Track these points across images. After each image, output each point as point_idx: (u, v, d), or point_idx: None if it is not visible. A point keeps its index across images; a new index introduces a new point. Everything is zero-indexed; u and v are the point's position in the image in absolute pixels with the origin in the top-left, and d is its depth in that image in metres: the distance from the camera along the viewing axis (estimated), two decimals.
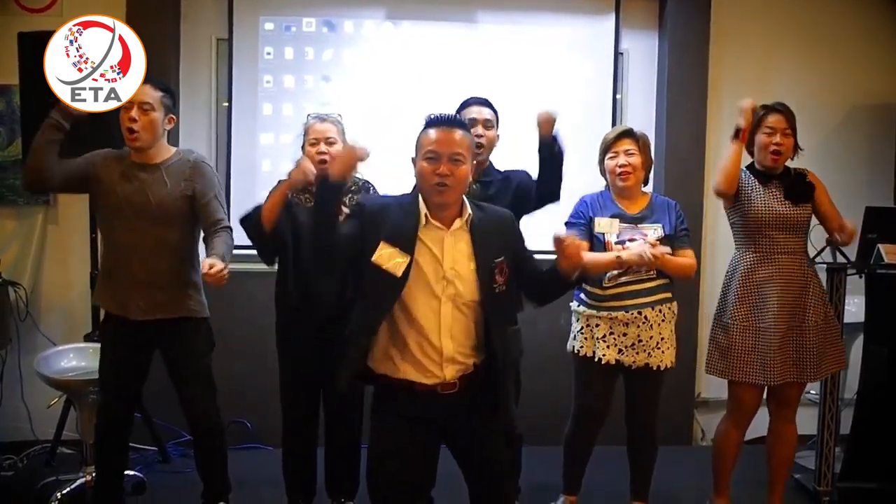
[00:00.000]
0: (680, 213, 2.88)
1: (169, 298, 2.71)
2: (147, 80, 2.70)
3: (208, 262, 2.48)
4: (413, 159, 2.21)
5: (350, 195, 2.86)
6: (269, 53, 3.94)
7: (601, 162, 2.90)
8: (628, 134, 2.84)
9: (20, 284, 3.73)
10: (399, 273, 2.08)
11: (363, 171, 2.96)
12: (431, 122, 2.17)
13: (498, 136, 2.89)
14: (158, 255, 2.70)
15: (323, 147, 2.80)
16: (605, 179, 2.92)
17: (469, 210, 2.18)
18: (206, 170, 2.79)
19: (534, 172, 2.81)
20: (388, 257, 2.09)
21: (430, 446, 2.23)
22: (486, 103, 2.91)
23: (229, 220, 2.83)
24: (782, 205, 2.83)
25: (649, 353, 2.78)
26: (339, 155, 2.16)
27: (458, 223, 2.16)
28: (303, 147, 2.87)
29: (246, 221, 2.77)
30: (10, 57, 3.30)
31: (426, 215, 2.14)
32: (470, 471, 2.24)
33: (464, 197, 2.19)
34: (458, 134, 2.14)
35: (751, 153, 2.92)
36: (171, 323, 2.72)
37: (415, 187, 2.24)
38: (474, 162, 2.22)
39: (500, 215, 2.28)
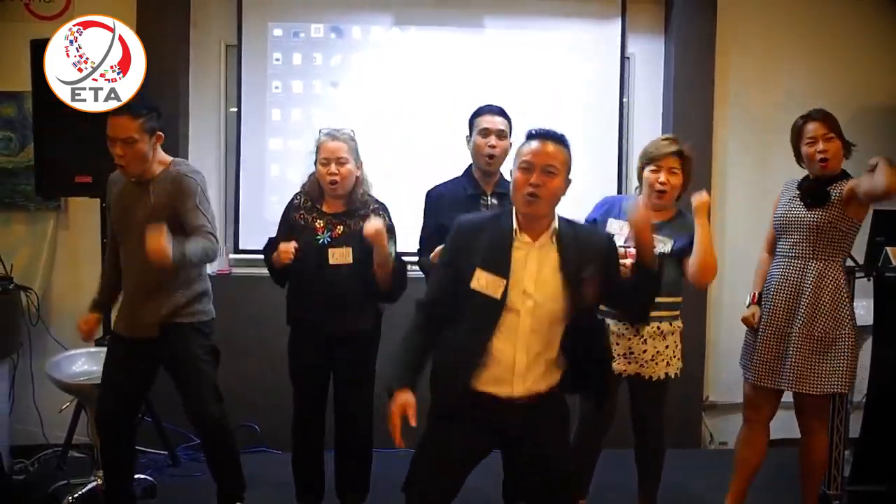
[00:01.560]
0: None
1: (177, 309, 2.72)
2: (126, 107, 2.67)
3: (162, 242, 2.48)
4: (511, 171, 2.24)
5: (359, 217, 2.82)
6: (277, 59, 3.96)
7: (641, 168, 2.80)
8: (679, 154, 2.74)
9: (32, 289, 3.76)
10: (499, 295, 2.10)
11: (377, 191, 2.95)
12: (530, 135, 2.20)
13: (511, 144, 2.89)
14: (153, 270, 2.60)
15: (333, 168, 2.77)
16: (639, 186, 2.85)
17: (556, 224, 2.18)
18: (185, 182, 2.70)
19: None
20: (486, 283, 2.11)
21: (477, 452, 2.23)
22: (499, 112, 2.90)
23: (215, 228, 2.77)
24: (796, 208, 2.82)
25: (641, 365, 2.77)
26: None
27: (544, 237, 2.16)
28: (315, 163, 2.85)
29: (265, 257, 2.87)
30: (23, 64, 3.33)
31: (516, 230, 2.16)
32: (533, 480, 2.22)
33: (555, 211, 2.19)
34: (553, 147, 2.15)
35: (801, 165, 2.88)
36: (178, 329, 2.74)
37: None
38: (569, 178, 2.19)
39: (593, 234, 2.31)
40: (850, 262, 3.14)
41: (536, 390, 2.15)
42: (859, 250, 3.19)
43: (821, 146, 2.76)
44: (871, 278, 3.23)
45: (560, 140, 2.19)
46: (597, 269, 2.15)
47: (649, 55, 4.18)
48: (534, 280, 2.12)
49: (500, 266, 2.12)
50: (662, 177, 2.72)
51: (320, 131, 2.88)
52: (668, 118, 4.09)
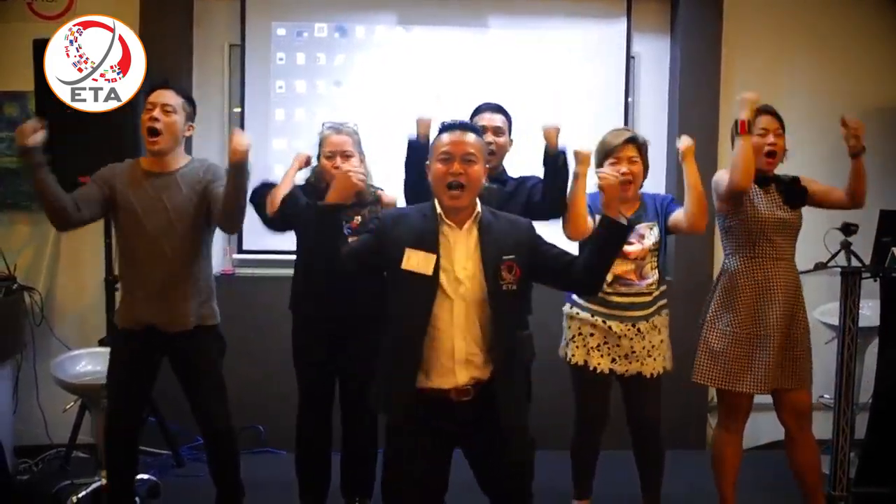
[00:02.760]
0: (670, 197, 2.90)
1: (188, 309, 2.71)
2: (170, 86, 2.72)
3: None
4: (427, 165, 2.26)
5: (369, 206, 2.86)
6: (281, 59, 3.96)
7: (599, 164, 2.81)
8: (633, 140, 2.78)
9: (35, 289, 3.76)
10: (430, 271, 2.13)
11: (376, 179, 2.97)
12: (444, 128, 2.25)
13: (511, 141, 2.88)
14: (177, 264, 2.69)
15: (339, 161, 2.79)
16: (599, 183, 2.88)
17: (479, 209, 2.22)
18: (217, 168, 2.79)
19: None
20: (415, 261, 2.14)
21: (443, 453, 2.24)
22: (498, 109, 2.91)
23: None
24: (783, 209, 2.83)
25: (642, 363, 2.79)
26: (336, 184, 2.26)
27: (469, 223, 2.21)
28: (318, 157, 2.87)
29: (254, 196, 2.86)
30: (25, 64, 3.32)
31: (440, 215, 2.19)
32: (488, 477, 2.25)
33: (476, 199, 2.23)
34: (470, 136, 2.22)
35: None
36: (205, 331, 2.75)
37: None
38: (487, 166, 2.26)
39: (514, 220, 2.31)
40: (855, 262, 3.14)
41: (480, 377, 2.17)
42: (866, 251, 3.17)
43: (771, 139, 2.80)
44: (878, 279, 3.21)
45: (474, 129, 2.26)
46: (519, 252, 2.18)
47: (655, 55, 4.17)
48: (463, 266, 2.16)
49: (429, 243, 2.16)
50: (624, 167, 2.73)
51: (323, 125, 2.91)
52: (673, 118, 4.09)
